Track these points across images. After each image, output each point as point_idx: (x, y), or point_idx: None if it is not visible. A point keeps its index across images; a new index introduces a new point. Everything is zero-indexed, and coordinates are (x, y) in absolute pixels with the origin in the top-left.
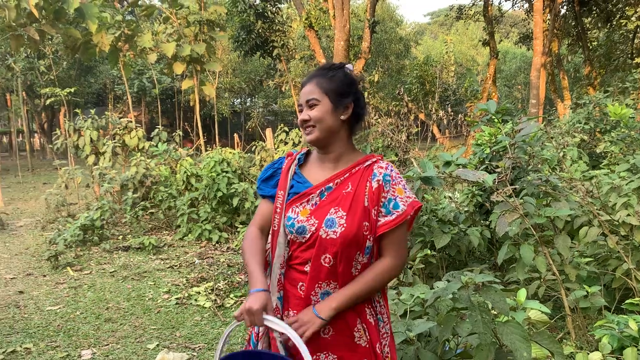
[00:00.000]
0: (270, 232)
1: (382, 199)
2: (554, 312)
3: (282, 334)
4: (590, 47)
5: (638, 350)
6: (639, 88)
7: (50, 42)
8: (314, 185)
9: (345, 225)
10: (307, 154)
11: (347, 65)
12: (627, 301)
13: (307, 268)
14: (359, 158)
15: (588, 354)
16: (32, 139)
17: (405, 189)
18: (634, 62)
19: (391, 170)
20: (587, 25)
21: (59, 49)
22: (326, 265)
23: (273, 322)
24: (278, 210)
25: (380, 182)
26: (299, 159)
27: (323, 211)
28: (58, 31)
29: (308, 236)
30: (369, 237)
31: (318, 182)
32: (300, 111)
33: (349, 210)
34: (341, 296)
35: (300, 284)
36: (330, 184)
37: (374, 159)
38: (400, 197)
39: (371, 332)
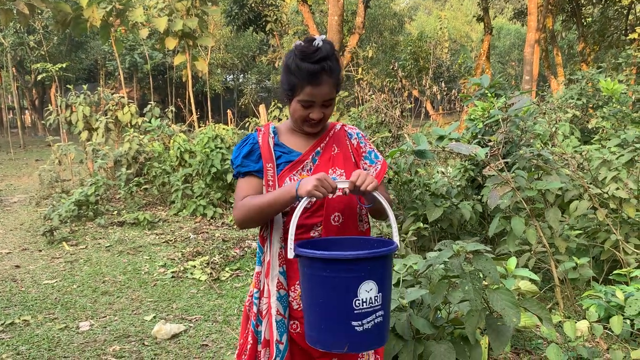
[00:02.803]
0: None
1: (363, 153)
2: (543, 284)
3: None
4: (585, 23)
5: (624, 318)
6: (631, 64)
7: (40, 16)
8: (304, 152)
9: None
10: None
11: (322, 38)
12: (614, 272)
13: (314, 234)
14: (328, 124)
15: (575, 322)
16: (23, 116)
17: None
18: (627, 38)
19: (357, 130)
20: (582, 1)
21: (49, 23)
22: (336, 224)
23: (343, 181)
24: (270, 183)
25: (357, 140)
26: (274, 131)
27: (324, 172)
28: (48, 5)
29: (314, 200)
30: None
31: (305, 149)
32: (308, 106)
33: (345, 167)
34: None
35: None
36: (318, 149)
37: (340, 123)
38: (375, 149)
39: None
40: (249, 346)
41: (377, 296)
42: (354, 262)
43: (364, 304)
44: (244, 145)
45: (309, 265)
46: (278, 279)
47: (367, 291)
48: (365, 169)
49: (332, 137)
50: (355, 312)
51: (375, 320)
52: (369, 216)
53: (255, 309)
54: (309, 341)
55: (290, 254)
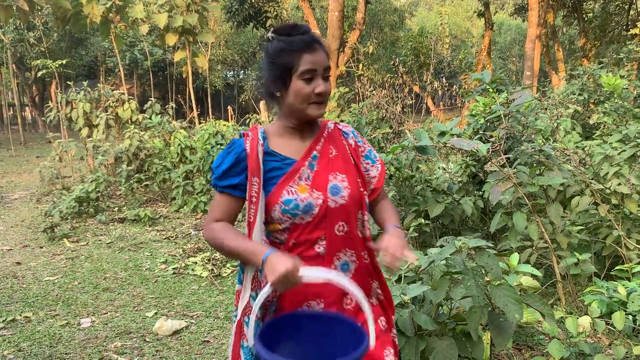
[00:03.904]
0: (246, 225)
1: (362, 152)
2: (545, 280)
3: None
4: (586, 18)
5: (626, 314)
6: (633, 59)
7: (39, 13)
8: (300, 158)
9: (349, 187)
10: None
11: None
12: (616, 268)
13: (320, 248)
14: (320, 121)
15: (577, 318)
16: (23, 112)
17: None
18: (628, 33)
19: (352, 128)
20: None
21: (49, 20)
22: (341, 234)
23: (317, 274)
24: (254, 199)
25: (354, 139)
26: (263, 136)
27: (321, 181)
28: (48, 2)
29: (316, 211)
30: (364, 192)
31: (299, 154)
32: (311, 79)
33: (346, 171)
34: (395, 220)
35: None
36: (315, 152)
37: (332, 122)
38: (371, 147)
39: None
40: None
41: None
42: None
43: None
44: (228, 155)
45: None
46: (248, 302)
47: None
48: (367, 170)
49: (327, 138)
50: None
51: None
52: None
53: (233, 326)
54: None
55: (250, 342)
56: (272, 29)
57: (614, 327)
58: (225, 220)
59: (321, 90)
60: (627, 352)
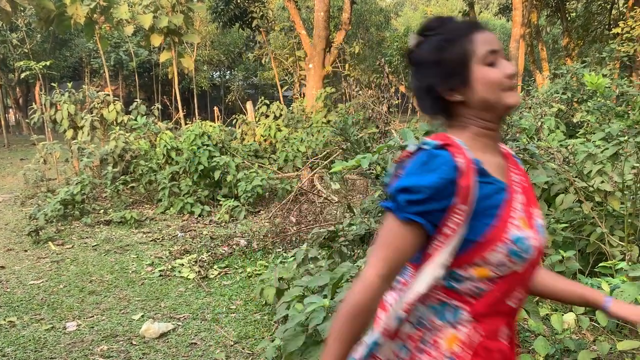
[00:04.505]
0: (421, 258)
1: None
2: None
3: None
4: (569, 18)
5: None
6: (615, 58)
7: (22, 13)
8: (508, 182)
9: (544, 226)
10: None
11: None
12: (600, 264)
13: (512, 301)
14: None
15: (562, 315)
16: (6, 115)
17: None
18: (610, 32)
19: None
20: None
21: (32, 21)
22: (529, 283)
23: None
24: (449, 231)
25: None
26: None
27: (529, 215)
28: (31, 2)
29: (535, 255)
30: None
31: (503, 175)
32: (493, 62)
33: (538, 206)
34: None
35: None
36: (516, 176)
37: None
38: None
39: None
40: None
41: None
42: None
43: None
44: (431, 173)
45: None
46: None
47: None
48: None
49: (509, 158)
50: None
51: None
52: None
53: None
54: None
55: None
56: (413, 34)
57: (598, 324)
58: (394, 274)
59: (512, 69)
60: (611, 348)
